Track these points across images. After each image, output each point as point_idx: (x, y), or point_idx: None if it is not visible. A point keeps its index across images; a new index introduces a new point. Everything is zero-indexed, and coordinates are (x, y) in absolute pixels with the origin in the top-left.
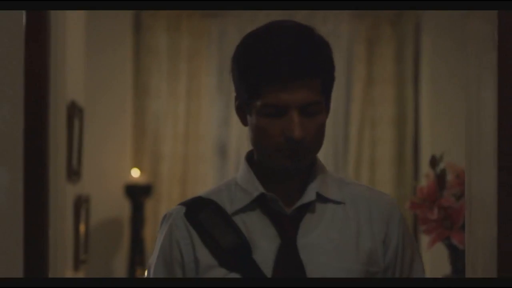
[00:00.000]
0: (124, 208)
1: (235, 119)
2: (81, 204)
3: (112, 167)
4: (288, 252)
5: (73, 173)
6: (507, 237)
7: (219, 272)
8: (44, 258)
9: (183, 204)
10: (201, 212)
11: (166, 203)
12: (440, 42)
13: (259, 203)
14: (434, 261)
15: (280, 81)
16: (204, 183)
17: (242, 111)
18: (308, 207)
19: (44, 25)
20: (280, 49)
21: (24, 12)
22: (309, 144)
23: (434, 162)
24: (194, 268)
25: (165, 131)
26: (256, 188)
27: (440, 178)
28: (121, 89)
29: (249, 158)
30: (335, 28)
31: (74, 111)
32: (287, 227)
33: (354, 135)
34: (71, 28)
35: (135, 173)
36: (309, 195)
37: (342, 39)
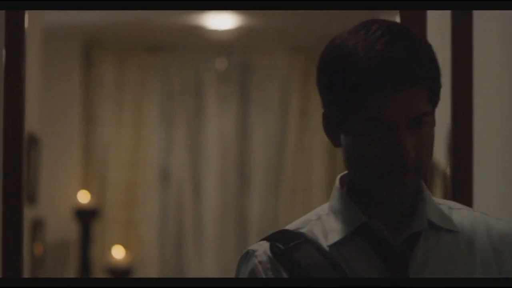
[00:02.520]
0: (73, 230)
1: (177, 146)
2: (36, 226)
3: (62, 192)
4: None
5: (30, 198)
6: None
7: None
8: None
9: (268, 239)
10: (292, 247)
11: (112, 226)
12: None
13: (360, 234)
14: None
15: (384, 91)
16: (148, 208)
17: (333, 130)
18: (418, 237)
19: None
20: (382, 53)
21: None
22: (419, 165)
23: None
24: None
25: (111, 158)
26: (357, 217)
27: None
28: (71, 118)
29: (342, 183)
30: (272, 61)
31: (31, 142)
32: (396, 260)
33: (289, 162)
34: (28, 60)
35: (84, 198)
36: (419, 223)
37: (279, 71)
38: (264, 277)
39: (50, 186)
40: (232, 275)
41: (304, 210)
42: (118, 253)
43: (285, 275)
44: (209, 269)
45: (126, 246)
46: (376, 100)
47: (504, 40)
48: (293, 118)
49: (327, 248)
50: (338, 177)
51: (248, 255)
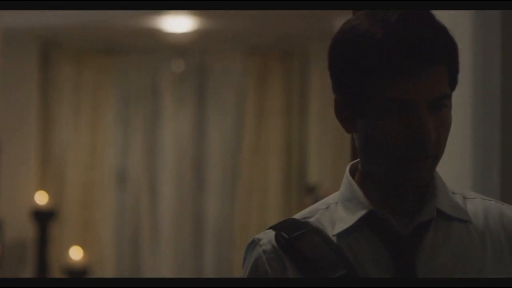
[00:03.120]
0: (31, 231)
1: (134, 148)
2: None
3: (20, 193)
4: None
5: None
6: None
7: None
8: None
9: (273, 227)
10: (297, 236)
11: (69, 227)
12: (327, 76)
13: (367, 223)
14: None
15: (404, 70)
16: (105, 209)
17: (348, 116)
18: (428, 227)
19: None
20: (401, 32)
21: None
22: (438, 150)
23: (308, 189)
24: None
25: (69, 160)
26: (363, 205)
27: None
28: (29, 120)
29: (352, 171)
30: (228, 63)
31: None
32: (403, 250)
33: (245, 164)
34: None
35: (41, 199)
36: (429, 212)
37: (235, 73)
38: (267, 266)
39: (8, 187)
40: (187, 274)
41: (260, 211)
42: (75, 254)
43: (289, 265)
44: (165, 269)
45: (83, 247)
46: (395, 81)
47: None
48: (249, 119)
49: (333, 238)
50: (349, 165)
51: (253, 244)
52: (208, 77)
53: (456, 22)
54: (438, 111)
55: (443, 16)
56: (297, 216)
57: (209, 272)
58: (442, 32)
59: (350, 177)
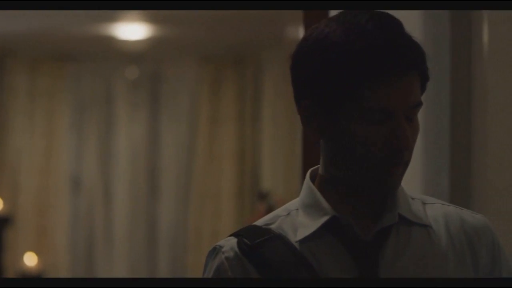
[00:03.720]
0: None
1: (88, 154)
2: None
3: None
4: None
5: None
6: None
7: None
8: None
9: (235, 234)
10: (259, 243)
11: (24, 233)
12: (280, 83)
13: (329, 229)
14: None
15: (386, 78)
16: (60, 214)
17: (318, 121)
18: (390, 232)
19: None
20: (379, 40)
21: None
22: (410, 155)
23: (261, 196)
24: None
25: (24, 165)
26: (325, 211)
27: (269, 210)
28: None
29: (313, 177)
30: (182, 71)
31: None
32: (366, 255)
33: (199, 170)
34: None
35: None
36: (391, 217)
37: (189, 80)
38: (230, 273)
39: None
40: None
41: (214, 216)
42: (30, 260)
43: (252, 272)
44: (120, 274)
45: (37, 252)
46: (377, 88)
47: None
48: (203, 126)
49: (296, 244)
50: (309, 171)
51: (215, 251)
52: (162, 84)
53: (406, 24)
54: (412, 118)
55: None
56: (258, 222)
57: (163, 276)
58: (412, 39)
59: (311, 183)
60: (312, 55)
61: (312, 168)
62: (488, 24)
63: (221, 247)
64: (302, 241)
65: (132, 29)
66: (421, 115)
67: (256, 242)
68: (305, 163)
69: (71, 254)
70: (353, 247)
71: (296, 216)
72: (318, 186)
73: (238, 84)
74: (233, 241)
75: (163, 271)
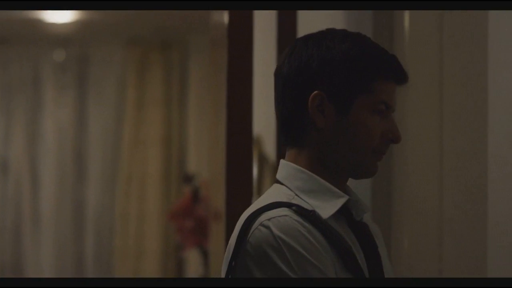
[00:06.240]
0: None
1: (15, 137)
2: None
3: None
4: (376, 263)
5: None
6: None
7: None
8: None
9: (284, 205)
10: (306, 214)
11: None
12: (206, 68)
13: (339, 209)
14: (191, 264)
15: (391, 77)
16: None
17: (328, 110)
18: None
19: None
20: (384, 51)
21: None
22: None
23: (186, 179)
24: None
25: None
26: (339, 194)
27: (195, 193)
28: None
29: (302, 166)
30: (109, 54)
31: None
32: (369, 236)
33: (125, 154)
34: None
35: None
36: (366, 204)
37: (115, 64)
38: (301, 228)
39: None
40: (68, 262)
41: (139, 200)
42: None
43: (320, 236)
44: (46, 257)
45: None
46: (386, 87)
47: None
48: (129, 110)
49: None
50: (286, 162)
51: (271, 222)
52: (89, 68)
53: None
54: None
55: (319, 15)
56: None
57: (89, 259)
58: None
59: (307, 171)
60: (332, 50)
61: (284, 160)
62: (409, 12)
63: (282, 216)
64: (326, 220)
65: (59, 12)
66: None
67: (301, 213)
68: (228, 147)
69: None
70: (355, 228)
71: (300, 201)
72: (313, 173)
73: (165, 68)
74: (285, 211)
75: (89, 253)
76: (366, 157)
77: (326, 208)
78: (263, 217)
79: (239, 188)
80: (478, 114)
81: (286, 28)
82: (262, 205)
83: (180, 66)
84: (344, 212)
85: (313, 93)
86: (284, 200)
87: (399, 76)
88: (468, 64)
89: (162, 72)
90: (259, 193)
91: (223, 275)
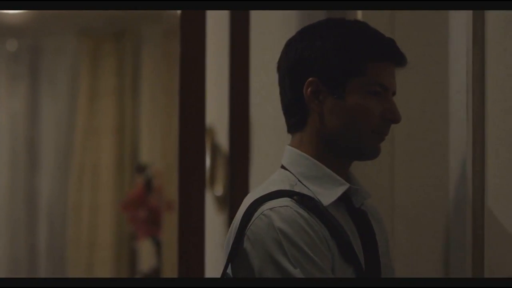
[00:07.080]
0: None
1: None
2: None
3: None
4: (372, 250)
5: None
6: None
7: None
8: None
9: (286, 195)
10: (308, 203)
11: None
12: (159, 58)
13: (340, 197)
14: (144, 255)
15: (389, 61)
16: None
17: (324, 95)
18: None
19: None
20: (378, 33)
21: None
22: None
23: (139, 169)
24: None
25: None
26: (341, 182)
27: (148, 183)
28: None
29: (305, 152)
30: (61, 44)
31: None
32: (367, 223)
33: (78, 143)
34: None
35: None
36: (367, 190)
37: (67, 54)
38: (302, 221)
39: None
40: (21, 253)
41: (92, 190)
42: None
43: (320, 226)
44: None
45: None
46: (380, 68)
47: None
48: (82, 100)
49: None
50: (290, 147)
51: (273, 212)
52: (41, 57)
53: (286, 23)
54: None
55: (276, 14)
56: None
57: (42, 250)
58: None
59: (310, 158)
60: (324, 38)
61: (292, 147)
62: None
63: (282, 207)
64: (327, 207)
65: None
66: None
67: (304, 201)
68: (181, 137)
69: None
70: (353, 214)
71: (302, 188)
72: (316, 158)
73: (118, 58)
74: (288, 201)
75: (42, 243)
76: (366, 138)
77: (327, 195)
78: (265, 206)
79: (192, 178)
80: (438, 111)
81: (238, 17)
82: (266, 192)
83: (133, 56)
84: (344, 199)
85: (307, 80)
86: (287, 186)
87: (394, 57)
88: (421, 62)
89: (115, 62)
90: (212, 184)
91: (225, 255)
